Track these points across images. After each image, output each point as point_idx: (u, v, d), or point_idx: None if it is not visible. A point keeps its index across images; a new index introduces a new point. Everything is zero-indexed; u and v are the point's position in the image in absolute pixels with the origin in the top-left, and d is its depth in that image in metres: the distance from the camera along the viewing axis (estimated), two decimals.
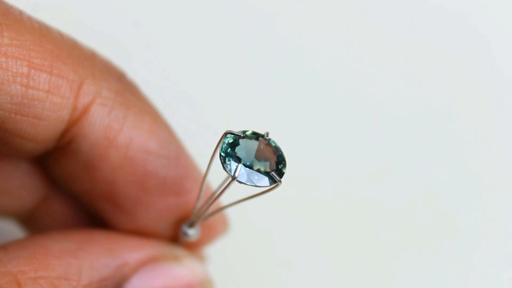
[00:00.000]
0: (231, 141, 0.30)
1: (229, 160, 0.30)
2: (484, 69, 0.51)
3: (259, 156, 0.30)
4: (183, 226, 0.36)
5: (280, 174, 0.30)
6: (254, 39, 0.50)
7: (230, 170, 0.29)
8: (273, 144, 0.30)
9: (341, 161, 0.49)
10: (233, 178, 0.29)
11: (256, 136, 0.30)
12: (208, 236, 0.39)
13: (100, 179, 0.34)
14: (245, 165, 0.30)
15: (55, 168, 0.36)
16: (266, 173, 0.30)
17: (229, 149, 0.30)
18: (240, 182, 0.30)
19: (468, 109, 0.51)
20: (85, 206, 0.37)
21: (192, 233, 0.36)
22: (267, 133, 0.31)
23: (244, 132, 0.30)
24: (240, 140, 0.30)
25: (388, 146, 0.50)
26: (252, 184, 0.30)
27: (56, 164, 0.35)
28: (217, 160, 0.30)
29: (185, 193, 0.35)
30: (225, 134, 0.30)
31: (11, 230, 0.43)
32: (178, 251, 0.37)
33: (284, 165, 0.30)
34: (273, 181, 0.30)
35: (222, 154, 0.30)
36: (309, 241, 0.48)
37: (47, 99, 0.31)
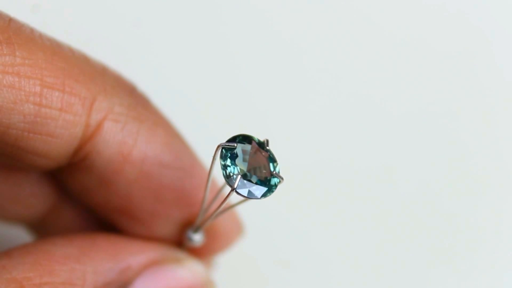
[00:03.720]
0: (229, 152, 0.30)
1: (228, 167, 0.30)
2: (484, 69, 0.51)
3: (253, 166, 0.30)
4: (188, 231, 0.36)
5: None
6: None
7: (231, 179, 0.30)
8: (270, 154, 0.30)
9: (341, 161, 0.49)
10: (233, 189, 0.29)
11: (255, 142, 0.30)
12: (220, 244, 0.39)
13: (116, 193, 0.34)
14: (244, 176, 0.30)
15: (69, 182, 0.35)
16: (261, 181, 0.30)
17: (229, 159, 0.30)
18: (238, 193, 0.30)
19: (468, 110, 0.51)
20: (99, 216, 0.37)
21: (197, 238, 0.36)
22: (267, 140, 0.31)
23: (234, 139, 0.30)
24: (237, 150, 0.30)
25: (388, 147, 0.50)
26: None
27: (71, 179, 0.35)
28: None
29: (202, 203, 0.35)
30: (218, 147, 0.30)
31: (14, 235, 0.43)
32: (180, 253, 0.37)
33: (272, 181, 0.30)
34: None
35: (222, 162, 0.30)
36: (309, 241, 0.48)
37: (59, 117, 0.31)
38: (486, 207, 0.49)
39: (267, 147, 0.30)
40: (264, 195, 0.30)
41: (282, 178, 0.30)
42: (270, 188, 0.30)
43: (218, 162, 0.30)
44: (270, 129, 0.48)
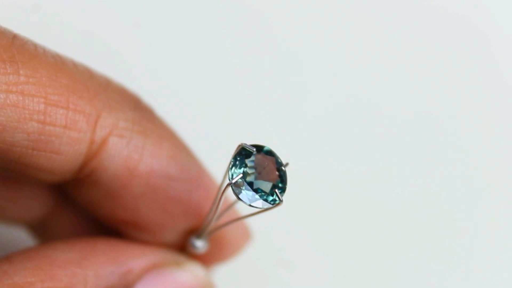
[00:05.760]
0: (244, 153, 0.30)
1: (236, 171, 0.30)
2: (484, 70, 0.51)
3: (261, 176, 0.30)
4: (192, 238, 0.36)
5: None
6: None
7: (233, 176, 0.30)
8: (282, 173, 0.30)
9: (341, 162, 0.49)
10: (230, 183, 0.29)
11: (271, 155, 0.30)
12: (227, 251, 0.39)
13: (122, 207, 0.34)
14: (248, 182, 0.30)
15: (76, 195, 0.35)
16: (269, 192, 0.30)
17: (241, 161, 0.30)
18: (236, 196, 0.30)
19: (467, 110, 0.50)
20: (104, 225, 0.37)
21: (200, 245, 0.36)
22: (287, 164, 0.31)
23: (257, 147, 0.30)
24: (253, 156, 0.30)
25: (388, 148, 0.50)
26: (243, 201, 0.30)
27: (77, 192, 0.35)
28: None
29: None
30: (239, 147, 0.30)
31: (14, 236, 0.43)
32: (180, 256, 0.37)
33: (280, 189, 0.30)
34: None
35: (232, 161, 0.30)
36: (309, 241, 0.48)
37: (64, 135, 0.31)
38: (486, 207, 0.49)
39: (283, 168, 0.30)
40: (256, 204, 0.30)
41: (281, 201, 0.30)
42: (265, 203, 0.30)
43: None
44: (273, 133, 0.48)
